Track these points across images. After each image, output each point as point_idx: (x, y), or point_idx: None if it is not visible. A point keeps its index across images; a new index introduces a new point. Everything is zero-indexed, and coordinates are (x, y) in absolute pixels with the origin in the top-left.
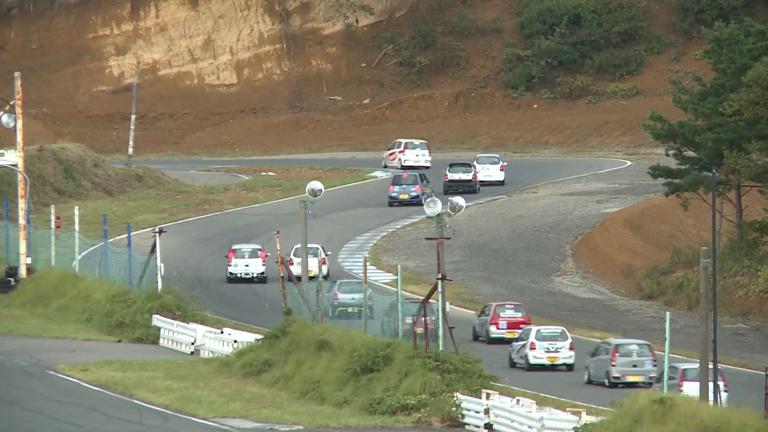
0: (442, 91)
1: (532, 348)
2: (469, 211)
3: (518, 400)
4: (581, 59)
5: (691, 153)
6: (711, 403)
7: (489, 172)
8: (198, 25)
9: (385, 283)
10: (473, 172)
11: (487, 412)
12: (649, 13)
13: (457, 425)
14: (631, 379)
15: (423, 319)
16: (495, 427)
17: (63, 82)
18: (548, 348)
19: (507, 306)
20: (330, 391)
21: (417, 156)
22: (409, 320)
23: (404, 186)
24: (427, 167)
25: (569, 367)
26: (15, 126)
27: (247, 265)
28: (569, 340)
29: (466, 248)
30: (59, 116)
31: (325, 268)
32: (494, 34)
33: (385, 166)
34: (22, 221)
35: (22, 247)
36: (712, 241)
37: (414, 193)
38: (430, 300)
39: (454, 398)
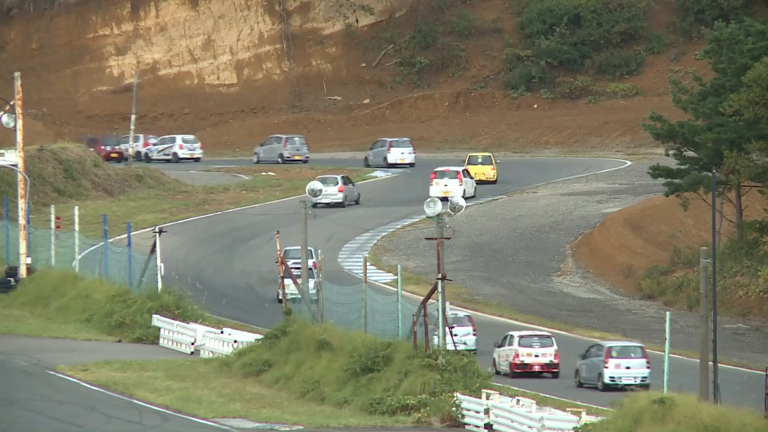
0: (442, 91)
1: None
2: (469, 211)
3: (518, 400)
4: (581, 59)
5: (691, 153)
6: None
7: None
8: (198, 25)
9: (385, 283)
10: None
11: (487, 412)
12: (649, 13)
13: (457, 425)
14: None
15: (423, 318)
16: (495, 427)
17: (63, 82)
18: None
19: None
20: (330, 391)
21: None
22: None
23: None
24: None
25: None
26: (15, 126)
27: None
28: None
29: (466, 248)
30: (59, 116)
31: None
32: (494, 34)
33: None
34: (22, 221)
35: (22, 247)
36: (712, 241)
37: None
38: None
39: (454, 398)
